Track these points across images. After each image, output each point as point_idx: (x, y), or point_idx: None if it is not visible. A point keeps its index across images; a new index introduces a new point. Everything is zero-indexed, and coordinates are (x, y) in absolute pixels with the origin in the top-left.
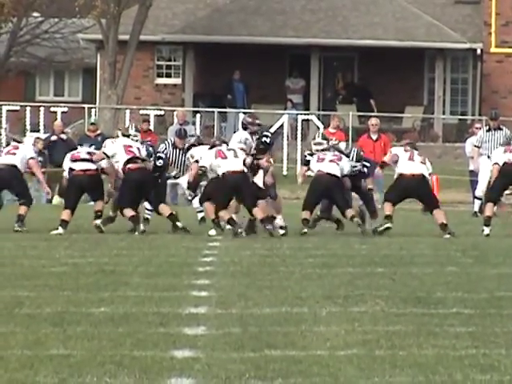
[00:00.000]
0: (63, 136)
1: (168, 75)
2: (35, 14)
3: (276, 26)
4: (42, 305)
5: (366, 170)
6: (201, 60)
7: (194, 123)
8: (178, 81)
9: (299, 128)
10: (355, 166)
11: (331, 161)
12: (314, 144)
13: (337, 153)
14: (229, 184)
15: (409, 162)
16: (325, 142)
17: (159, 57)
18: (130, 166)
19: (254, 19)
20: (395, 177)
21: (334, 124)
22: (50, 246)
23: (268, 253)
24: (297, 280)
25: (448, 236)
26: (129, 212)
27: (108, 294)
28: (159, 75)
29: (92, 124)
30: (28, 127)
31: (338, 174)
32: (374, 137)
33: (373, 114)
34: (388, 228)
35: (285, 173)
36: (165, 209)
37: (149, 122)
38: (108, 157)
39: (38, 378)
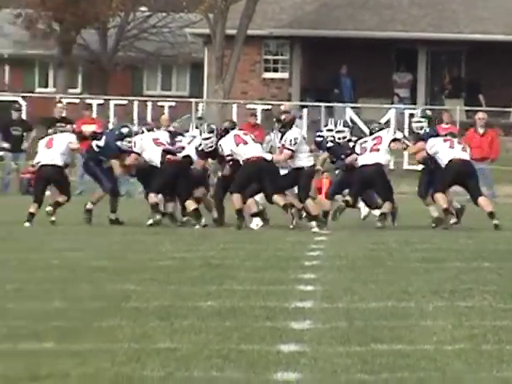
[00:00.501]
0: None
1: (275, 69)
2: (143, 9)
3: (383, 21)
4: (150, 299)
5: None
6: (308, 54)
7: (300, 117)
8: (285, 75)
9: (406, 122)
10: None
11: (372, 149)
12: (336, 132)
13: (377, 135)
14: (251, 170)
15: (452, 149)
16: (346, 129)
17: (266, 51)
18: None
19: (361, 13)
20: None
21: (447, 119)
22: (156, 240)
23: (374, 247)
24: (403, 274)
25: (497, 222)
26: (192, 205)
27: (215, 287)
28: (266, 69)
29: (199, 118)
30: (135, 121)
31: (382, 162)
32: (481, 131)
33: (480, 108)
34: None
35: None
36: (190, 204)
37: (256, 116)
38: (139, 154)
39: (144, 371)
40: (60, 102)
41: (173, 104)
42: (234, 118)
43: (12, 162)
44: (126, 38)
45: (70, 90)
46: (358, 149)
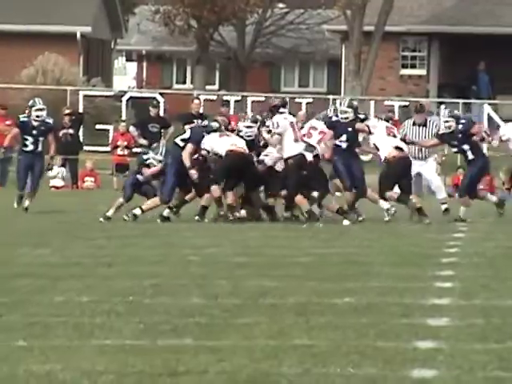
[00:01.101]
0: None
1: (413, 66)
2: (280, 5)
3: None
4: (286, 295)
5: None
6: (445, 50)
7: (438, 114)
8: (423, 72)
9: None
10: None
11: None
12: (341, 112)
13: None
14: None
15: None
16: (350, 110)
17: (404, 47)
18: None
19: (500, 9)
20: None
21: None
22: (294, 236)
23: None
24: None
25: None
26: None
27: (352, 284)
28: (404, 66)
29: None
30: None
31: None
32: None
33: None
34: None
35: None
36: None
37: (393, 112)
38: (208, 152)
39: (282, 368)
40: (197, 98)
41: (310, 100)
42: (372, 115)
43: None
44: (263, 34)
45: (208, 87)
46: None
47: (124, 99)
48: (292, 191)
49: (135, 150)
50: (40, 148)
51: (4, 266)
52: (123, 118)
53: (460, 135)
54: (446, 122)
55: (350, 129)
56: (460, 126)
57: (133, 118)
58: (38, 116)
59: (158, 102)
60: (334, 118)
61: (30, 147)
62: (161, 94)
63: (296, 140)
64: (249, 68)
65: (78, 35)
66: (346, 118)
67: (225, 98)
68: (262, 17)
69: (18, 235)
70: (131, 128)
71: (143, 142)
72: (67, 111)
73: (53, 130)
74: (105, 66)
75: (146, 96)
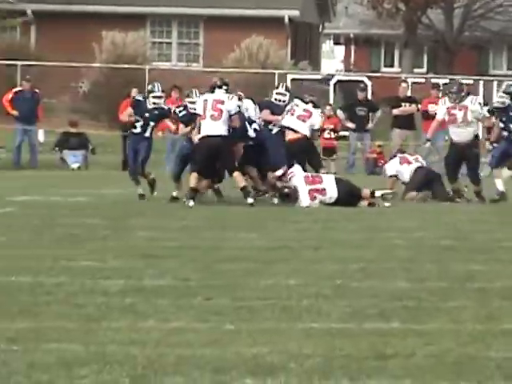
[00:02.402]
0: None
1: None
2: None
3: None
4: (494, 279)
5: None
6: None
7: None
8: None
9: None
10: None
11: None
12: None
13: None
14: None
15: None
16: (287, 93)
17: None
18: None
19: None
20: None
21: None
22: (507, 221)
23: None
24: None
25: None
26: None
27: None
28: None
29: None
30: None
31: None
32: None
33: None
34: None
35: None
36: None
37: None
38: None
39: (489, 352)
40: (405, 81)
41: None
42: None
43: (357, 142)
44: (472, 17)
45: (416, 70)
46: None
47: (331, 83)
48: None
49: (342, 133)
50: (148, 133)
51: (213, 250)
52: (330, 101)
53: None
54: (501, 97)
55: None
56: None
57: (340, 102)
58: (154, 103)
59: (366, 86)
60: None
61: (138, 129)
62: (368, 77)
63: None
64: (457, 51)
65: (286, 19)
66: (283, 101)
67: (433, 80)
68: (471, 0)
69: (224, 220)
70: (338, 111)
71: (350, 125)
72: None
73: (168, 116)
74: (312, 50)
75: (353, 79)
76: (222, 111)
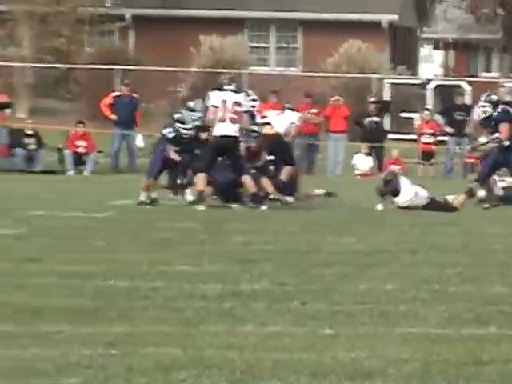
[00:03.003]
0: None
1: None
2: None
3: None
4: None
5: None
6: None
7: None
8: None
9: None
10: None
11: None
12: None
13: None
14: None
15: None
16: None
17: None
18: None
19: None
20: None
21: None
22: None
23: None
24: None
25: None
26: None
27: None
28: None
29: None
30: None
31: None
32: None
33: None
34: None
35: None
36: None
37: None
38: None
39: None
40: (503, 86)
41: None
42: None
43: (455, 146)
44: None
45: None
46: None
47: (430, 87)
48: None
49: (440, 138)
50: None
51: (311, 254)
52: (428, 106)
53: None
54: (482, 107)
55: None
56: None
57: (438, 106)
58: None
59: (464, 90)
60: None
61: None
62: (468, 81)
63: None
64: None
65: (385, 23)
66: None
67: None
68: None
69: (321, 224)
70: (437, 116)
71: (449, 130)
72: (373, 99)
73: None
74: (411, 54)
75: (451, 84)
76: (240, 114)
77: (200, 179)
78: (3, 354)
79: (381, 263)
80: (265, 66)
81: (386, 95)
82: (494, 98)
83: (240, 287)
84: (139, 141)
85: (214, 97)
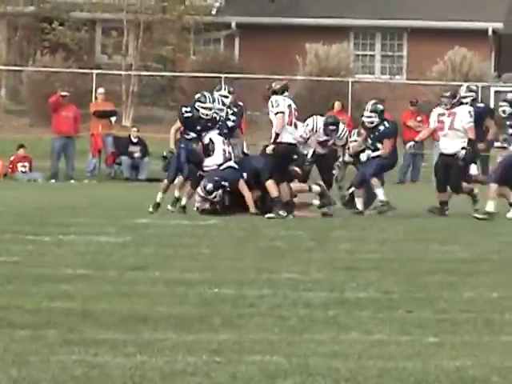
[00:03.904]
0: None
1: None
2: None
3: None
4: None
5: None
6: None
7: None
8: None
9: None
10: None
11: None
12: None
13: None
14: None
15: None
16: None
17: None
18: None
19: None
20: None
21: None
22: None
23: None
24: None
25: None
26: None
27: None
28: None
29: None
30: None
31: None
32: None
33: None
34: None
35: None
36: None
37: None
38: None
39: None
40: None
41: None
42: None
43: None
44: None
45: None
46: None
47: None
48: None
49: None
50: None
51: (414, 263)
52: None
53: None
54: (369, 117)
55: None
56: None
57: None
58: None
59: None
60: None
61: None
62: None
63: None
64: None
65: (490, 31)
66: None
67: None
68: None
69: (425, 232)
70: None
71: None
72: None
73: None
74: None
75: None
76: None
77: (272, 186)
78: (109, 361)
79: (485, 271)
80: (370, 73)
81: (491, 103)
82: (380, 107)
83: (345, 295)
84: (245, 149)
85: (281, 102)
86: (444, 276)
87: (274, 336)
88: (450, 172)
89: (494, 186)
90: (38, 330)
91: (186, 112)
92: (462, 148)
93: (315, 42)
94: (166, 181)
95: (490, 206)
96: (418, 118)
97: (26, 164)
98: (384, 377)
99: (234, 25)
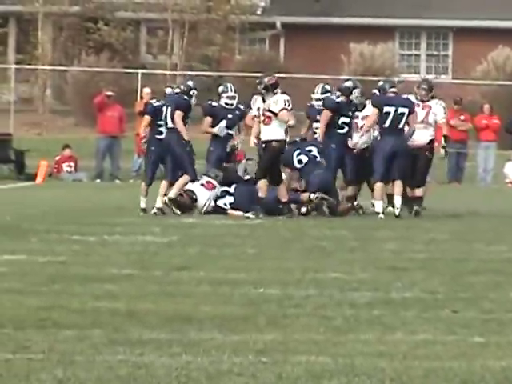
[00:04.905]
0: None
1: None
2: None
3: None
4: None
5: None
6: None
7: None
8: None
9: None
10: None
11: None
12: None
13: None
14: None
15: None
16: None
17: None
18: None
19: None
20: None
21: None
22: None
23: None
24: None
25: None
26: None
27: None
28: None
29: None
30: None
31: None
32: None
33: None
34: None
35: None
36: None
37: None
38: None
39: None
40: None
41: None
42: None
43: None
44: None
45: None
46: None
47: None
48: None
49: None
50: None
51: (460, 263)
52: None
53: None
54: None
55: None
56: None
57: None
58: (227, 103)
59: None
60: None
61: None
62: None
63: None
64: None
65: None
66: None
67: None
68: None
69: (471, 232)
70: None
71: None
72: None
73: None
74: None
75: None
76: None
77: (262, 186)
78: (155, 361)
79: None
80: (415, 73)
81: None
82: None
83: (390, 295)
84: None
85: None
86: (490, 276)
87: (320, 336)
88: (418, 164)
89: None
90: (83, 329)
91: (212, 103)
92: (443, 147)
93: (360, 42)
94: (164, 182)
95: None
96: (462, 117)
97: (72, 164)
98: (429, 377)
99: (278, 24)
